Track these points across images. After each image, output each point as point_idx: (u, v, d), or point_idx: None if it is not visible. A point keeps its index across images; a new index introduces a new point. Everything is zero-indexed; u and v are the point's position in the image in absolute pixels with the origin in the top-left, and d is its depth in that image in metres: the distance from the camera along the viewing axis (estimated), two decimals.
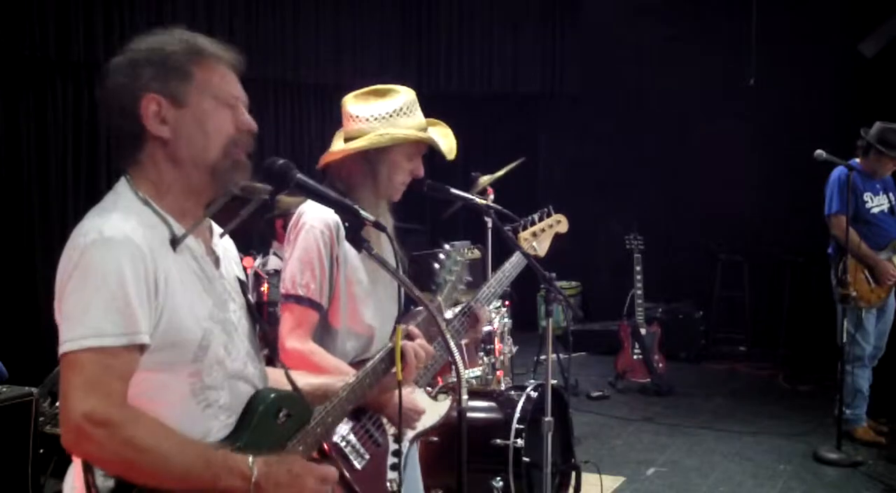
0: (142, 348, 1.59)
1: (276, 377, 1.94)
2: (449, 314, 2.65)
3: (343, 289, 2.46)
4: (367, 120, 2.50)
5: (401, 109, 2.50)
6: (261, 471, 1.64)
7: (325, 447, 2.23)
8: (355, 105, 2.54)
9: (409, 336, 2.10)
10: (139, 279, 1.58)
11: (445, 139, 2.63)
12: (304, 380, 1.99)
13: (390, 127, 2.48)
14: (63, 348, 1.55)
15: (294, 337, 2.41)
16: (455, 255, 2.43)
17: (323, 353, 2.42)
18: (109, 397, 1.54)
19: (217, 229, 1.88)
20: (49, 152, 5.59)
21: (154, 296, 1.61)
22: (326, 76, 7.43)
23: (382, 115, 2.50)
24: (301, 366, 2.40)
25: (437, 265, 2.36)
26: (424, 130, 2.54)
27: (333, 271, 2.44)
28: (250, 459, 1.64)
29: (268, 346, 1.96)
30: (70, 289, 1.58)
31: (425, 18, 8.53)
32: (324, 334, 2.48)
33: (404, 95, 2.54)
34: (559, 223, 3.05)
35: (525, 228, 2.97)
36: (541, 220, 3.01)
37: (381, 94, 2.55)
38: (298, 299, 2.42)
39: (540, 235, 2.99)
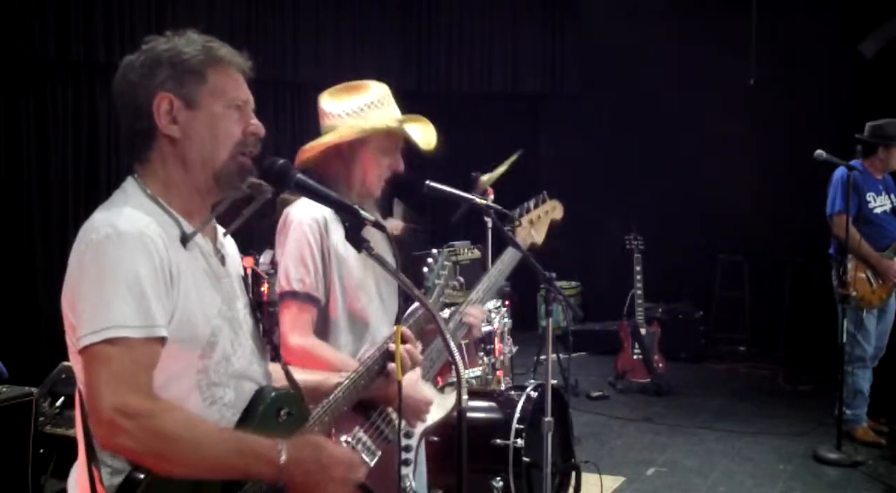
0: (161, 341, 1.61)
1: (279, 375, 1.95)
2: (445, 313, 2.65)
3: (337, 282, 2.47)
4: (339, 116, 2.52)
5: (371, 103, 2.51)
6: (290, 458, 1.66)
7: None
8: (328, 102, 2.56)
9: (402, 339, 2.10)
10: (155, 273, 1.60)
11: (423, 132, 2.61)
12: (301, 376, 2.00)
13: (360, 120, 2.49)
14: (84, 341, 1.56)
15: (296, 333, 2.41)
16: (443, 259, 2.43)
17: (327, 347, 2.43)
18: (139, 390, 1.56)
19: (221, 229, 1.90)
20: (49, 152, 5.59)
21: (169, 289, 1.63)
22: (326, 76, 7.38)
23: (353, 109, 2.51)
24: (306, 362, 2.40)
25: (425, 269, 2.37)
26: (400, 123, 2.53)
27: (326, 264, 2.45)
28: (281, 446, 1.66)
29: (270, 345, 1.97)
30: (86, 284, 1.58)
31: (425, 18, 8.54)
32: (323, 327, 2.48)
33: (375, 90, 2.55)
34: (554, 209, 3.04)
35: (521, 216, 2.96)
36: (536, 207, 3.00)
37: (354, 89, 2.56)
38: (295, 295, 2.43)
39: (536, 222, 2.98)
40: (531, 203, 3.00)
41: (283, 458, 1.66)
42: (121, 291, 1.56)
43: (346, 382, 2.03)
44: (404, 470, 2.33)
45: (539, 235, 2.97)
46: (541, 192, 3.06)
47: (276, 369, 1.95)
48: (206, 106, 1.73)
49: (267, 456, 1.65)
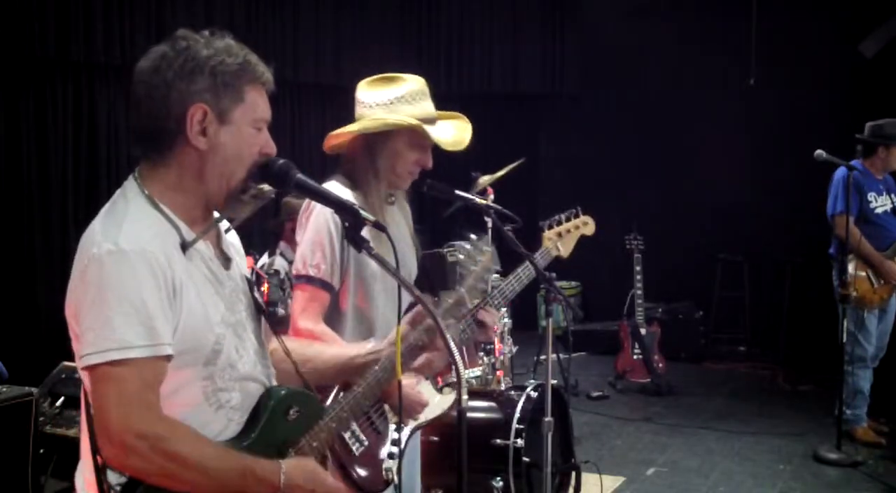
0: (167, 358, 1.61)
1: (280, 356, 1.97)
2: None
3: (353, 271, 2.48)
4: (370, 106, 2.52)
5: (403, 97, 2.51)
6: (289, 483, 1.70)
7: None
8: (363, 91, 2.57)
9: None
10: (159, 290, 1.60)
11: (458, 131, 2.61)
12: (320, 350, 2.08)
13: (390, 113, 2.49)
14: (89, 360, 1.56)
15: (305, 317, 2.43)
16: (481, 244, 2.43)
17: (334, 336, 2.44)
18: (150, 411, 1.58)
19: (224, 226, 1.89)
20: (49, 152, 5.59)
21: (173, 304, 1.62)
22: (326, 76, 7.42)
23: (384, 101, 2.51)
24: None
25: (460, 256, 2.37)
26: (431, 120, 2.53)
27: (344, 252, 2.46)
28: (282, 469, 1.70)
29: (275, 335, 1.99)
30: (89, 301, 1.58)
31: (425, 19, 8.54)
32: (332, 315, 2.49)
33: (411, 84, 2.55)
34: (586, 225, 3.01)
35: (551, 228, 2.95)
36: (568, 220, 2.98)
37: (389, 81, 2.56)
38: (310, 280, 2.44)
39: (565, 235, 2.96)
40: (563, 216, 2.97)
41: (283, 481, 1.69)
42: (125, 310, 1.56)
43: (370, 378, 2.04)
44: (390, 463, 2.34)
45: (566, 249, 2.94)
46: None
47: (275, 349, 1.96)
48: (236, 123, 1.72)
49: (268, 479, 1.68)
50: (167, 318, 1.61)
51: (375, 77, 2.58)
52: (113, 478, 1.62)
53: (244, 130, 1.73)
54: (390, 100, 2.50)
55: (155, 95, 1.68)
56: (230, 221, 1.88)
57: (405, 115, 2.48)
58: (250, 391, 1.78)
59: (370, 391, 2.04)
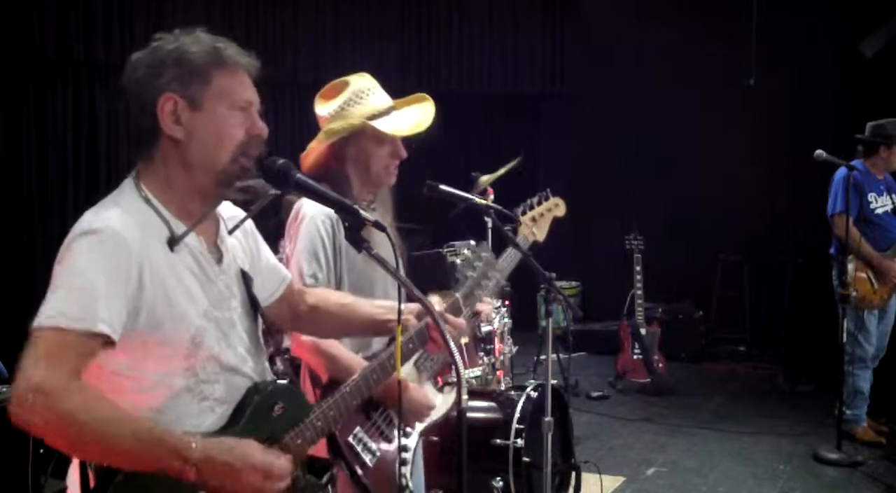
0: (102, 338, 1.58)
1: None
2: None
3: (346, 278, 2.47)
4: (326, 119, 2.55)
5: (350, 100, 2.52)
6: (203, 456, 1.59)
7: (340, 446, 2.25)
8: (317, 106, 2.59)
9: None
10: (118, 273, 1.61)
11: (418, 114, 2.57)
12: (342, 302, 2.15)
13: (341, 120, 2.49)
14: (32, 325, 1.59)
15: None
16: (481, 251, 2.42)
17: (337, 345, 2.43)
18: (56, 368, 1.54)
19: (224, 225, 1.89)
20: (49, 152, 5.60)
21: (135, 290, 1.63)
22: (326, 76, 7.36)
23: (334, 110, 2.53)
24: (315, 359, 2.42)
25: (458, 260, 2.37)
26: (386, 111, 2.52)
27: (338, 259, 2.45)
28: (195, 443, 1.60)
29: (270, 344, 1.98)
30: (53, 275, 1.63)
31: (425, 18, 8.53)
32: None
33: (356, 83, 2.55)
34: (557, 207, 3.02)
35: (524, 213, 2.95)
36: (539, 204, 2.99)
37: (334, 89, 2.57)
38: None
39: (539, 219, 2.96)
40: (534, 200, 2.99)
41: (196, 455, 1.58)
42: (74, 284, 1.59)
43: (357, 378, 2.04)
44: (402, 470, 2.34)
45: (541, 233, 2.96)
46: (540, 191, 3.04)
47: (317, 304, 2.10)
48: (209, 108, 1.74)
49: (177, 449, 1.58)
50: (120, 301, 1.60)
51: (322, 90, 2.60)
52: (96, 466, 1.62)
53: (220, 113, 1.74)
54: (340, 107, 2.52)
55: (132, 97, 1.75)
56: (245, 209, 1.89)
57: (357, 116, 2.48)
58: (236, 385, 1.79)
59: (357, 391, 2.02)
